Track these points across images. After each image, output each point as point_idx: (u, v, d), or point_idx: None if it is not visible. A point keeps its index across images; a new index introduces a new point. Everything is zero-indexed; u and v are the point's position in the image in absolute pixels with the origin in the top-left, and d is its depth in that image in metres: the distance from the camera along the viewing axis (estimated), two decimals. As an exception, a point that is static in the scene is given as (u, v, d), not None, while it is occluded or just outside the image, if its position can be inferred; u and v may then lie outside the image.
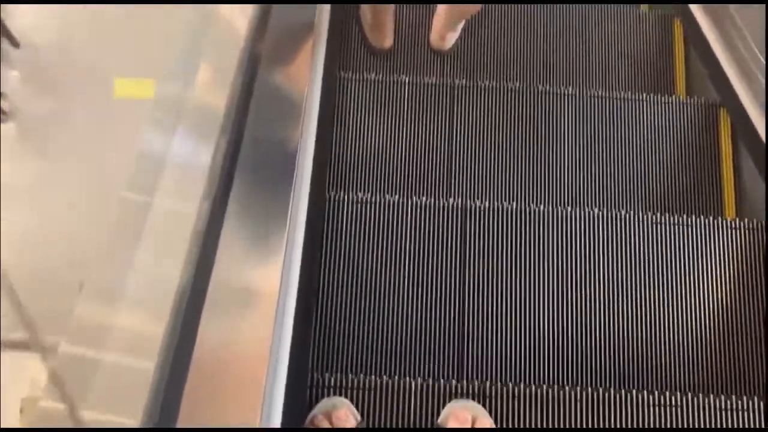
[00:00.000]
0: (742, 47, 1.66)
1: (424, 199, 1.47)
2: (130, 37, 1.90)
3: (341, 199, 1.44)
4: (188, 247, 1.01)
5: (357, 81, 1.74)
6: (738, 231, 1.51)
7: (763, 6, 1.54)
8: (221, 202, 1.10)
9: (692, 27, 1.89)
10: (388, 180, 1.64)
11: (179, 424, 0.83)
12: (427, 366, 1.32)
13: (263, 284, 1.06)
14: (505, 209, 1.47)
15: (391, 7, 1.76)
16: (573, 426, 1.14)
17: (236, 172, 1.17)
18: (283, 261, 1.09)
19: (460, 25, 1.85)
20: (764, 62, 1.56)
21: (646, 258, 1.46)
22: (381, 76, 1.76)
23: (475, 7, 1.69)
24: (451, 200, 1.48)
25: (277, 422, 0.96)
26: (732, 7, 1.72)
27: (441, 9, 1.81)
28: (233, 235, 1.08)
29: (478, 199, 1.54)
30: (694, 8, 1.88)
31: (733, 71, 1.71)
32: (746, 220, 1.51)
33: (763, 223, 1.50)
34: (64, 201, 1.74)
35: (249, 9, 1.40)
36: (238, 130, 1.21)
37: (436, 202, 1.48)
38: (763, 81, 1.56)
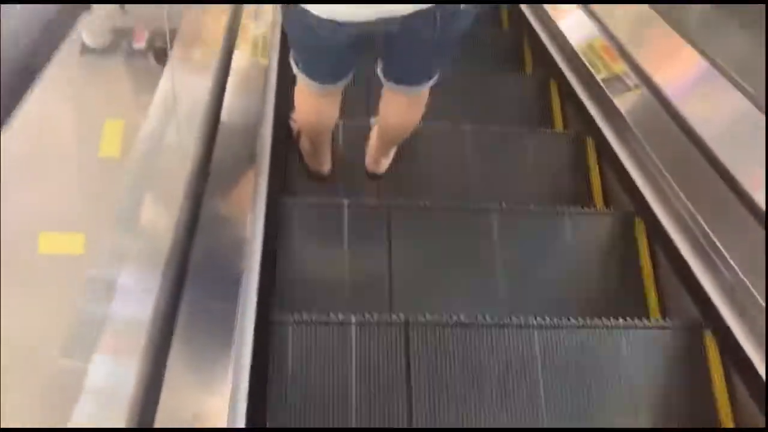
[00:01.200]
0: (650, 164, 1.84)
1: (366, 316, 1.52)
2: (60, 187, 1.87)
3: (286, 321, 1.47)
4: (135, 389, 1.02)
5: (298, 205, 1.82)
6: (667, 331, 1.60)
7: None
8: (165, 336, 1.12)
9: (604, 145, 2.08)
10: (333, 300, 1.69)
11: None
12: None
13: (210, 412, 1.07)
14: (446, 322, 1.53)
15: (328, 134, 1.89)
16: None
17: (182, 301, 1.20)
18: (232, 386, 1.11)
19: (393, 150, 1.99)
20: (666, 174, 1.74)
21: (582, 361, 1.52)
22: (321, 199, 1.86)
23: (405, 134, 1.83)
24: (394, 316, 1.53)
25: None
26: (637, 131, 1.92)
27: (374, 135, 1.95)
28: (181, 367, 1.10)
29: (419, 313, 1.59)
30: (605, 129, 2.09)
31: (646, 186, 1.88)
32: (675, 319, 1.61)
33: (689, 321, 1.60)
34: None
35: (192, 146, 1.49)
36: (182, 265, 1.26)
37: (380, 317, 1.52)
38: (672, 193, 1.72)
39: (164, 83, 1.67)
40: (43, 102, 1.89)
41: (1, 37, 1.73)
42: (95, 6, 2.37)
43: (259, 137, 1.72)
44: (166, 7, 2.01)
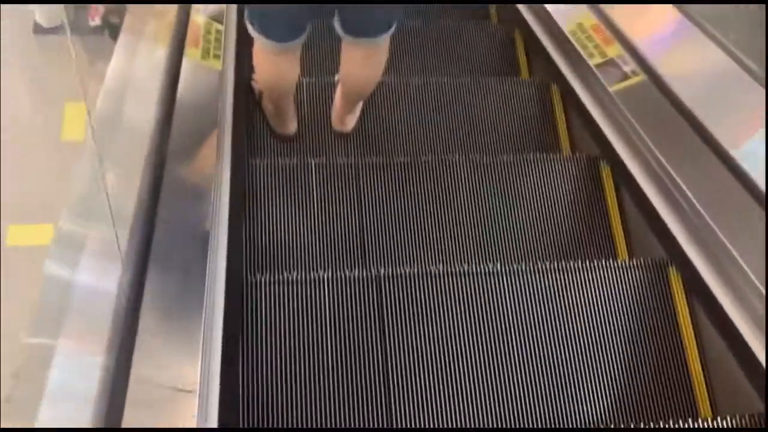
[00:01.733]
0: (615, 111, 1.85)
1: (338, 272, 1.53)
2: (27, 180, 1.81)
3: (258, 281, 1.48)
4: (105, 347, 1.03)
5: (266, 166, 1.81)
6: (631, 270, 1.64)
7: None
8: (135, 301, 1.12)
9: (569, 92, 2.09)
10: (305, 258, 1.70)
11: None
12: (355, 436, 1.34)
13: (183, 380, 1.07)
14: (416, 273, 1.55)
15: (290, 95, 1.87)
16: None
17: (150, 265, 1.20)
18: (202, 349, 1.12)
19: (358, 107, 1.98)
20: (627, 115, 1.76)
21: (551, 304, 1.56)
22: (288, 160, 1.85)
23: (368, 89, 1.82)
24: (365, 271, 1.54)
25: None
26: (598, 72, 1.92)
27: (338, 93, 1.93)
28: (150, 330, 1.11)
29: (389, 266, 1.61)
30: (569, 75, 2.09)
31: (609, 129, 1.89)
32: (641, 259, 1.65)
33: (655, 260, 1.64)
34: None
35: (150, 114, 1.46)
36: (149, 227, 1.25)
37: (352, 273, 1.54)
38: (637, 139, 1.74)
39: (118, 54, 1.64)
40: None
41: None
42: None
43: (219, 101, 1.70)
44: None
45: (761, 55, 1.54)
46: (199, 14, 1.90)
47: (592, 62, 1.92)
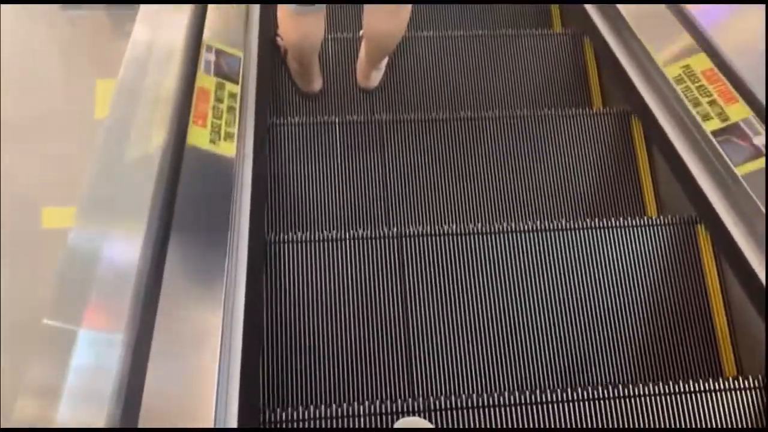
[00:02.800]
0: (647, 61, 1.79)
1: (362, 231, 1.54)
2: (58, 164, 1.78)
3: (281, 240, 1.50)
4: (131, 305, 1.05)
5: (290, 125, 1.82)
6: (662, 227, 1.61)
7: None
8: (159, 258, 1.15)
9: (601, 45, 2.02)
10: (328, 217, 1.71)
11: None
12: (377, 389, 1.37)
13: (206, 330, 1.10)
14: (440, 232, 1.55)
15: (315, 54, 1.85)
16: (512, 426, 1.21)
17: (173, 228, 1.22)
18: (224, 308, 1.15)
19: (383, 63, 1.96)
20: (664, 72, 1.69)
21: (579, 262, 1.55)
22: (313, 118, 1.85)
23: (392, 44, 1.79)
24: (388, 230, 1.55)
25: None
26: (632, 22, 1.85)
27: (362, 49, 1.91)
28: (175, 282, 1.13)
29: (413, 225, 1.61)
30: (602, 27, 2.01)
31: (642, 84, 1.83)
32: (669, 216, 1.62)
33: (683, 217, 1.61)
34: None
35: (173, 76, 1.45)
36: (171, 190, 1.27)
37: (375, 232, 1.55)
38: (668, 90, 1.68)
39: (141, 19, 1.62)
40: (28, 62, 1.80)
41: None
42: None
43: (243, 58, 1.69)
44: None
45: None
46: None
47: (707, 127, 1.49)
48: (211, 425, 0.97)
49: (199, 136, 1.36)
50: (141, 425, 0.92)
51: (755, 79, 1.44)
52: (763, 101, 1.40)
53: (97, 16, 2.23)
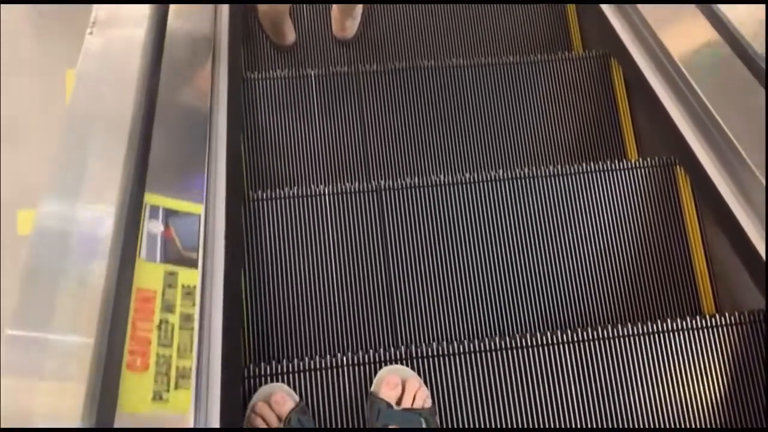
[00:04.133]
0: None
1: (341, 185, 1.53)
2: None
3: (260, 197, 1.49)
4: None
5: (265, 80, 1.79)
6: (642, 170, 1.61)
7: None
8: (132, 221, 1.14)
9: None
10: (306, 172, 1.70)
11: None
12: (359, 340, 1.39)
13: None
14: (420, 183, 1.54)
15: (286, 14, 1.81)
16: (497, 371, 1.23)
17: (146, 185, 1.21)
18: (203, 264, 1.14)
19: (358, 11, 1.91)
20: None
21: (559, 207, 1.55)
22: (288, 72, 1.81)
23: None
24: (368, 183, 1.54)
25: (215, 417, 1.01)
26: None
27: (337, -1, 1.87)
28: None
29: (393, 178, 1.61)
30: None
31: (619, 24, 1.80)
32: (648, 159, 1.61)
33: (662, 159, 1.61)
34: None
35: (144, 30, 1.40)
36: (144, 146, 1.25)
37: (355, 186, 1.54)
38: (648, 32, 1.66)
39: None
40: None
41: None
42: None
43: (216, 14, 1.65)
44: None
45: None
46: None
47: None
48: (193, 379, 0.96)
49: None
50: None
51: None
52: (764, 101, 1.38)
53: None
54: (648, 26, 1.65)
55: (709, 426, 1.23)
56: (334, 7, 1.89)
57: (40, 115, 1.78)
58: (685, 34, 1.56)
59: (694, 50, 1.51)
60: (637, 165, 1.61)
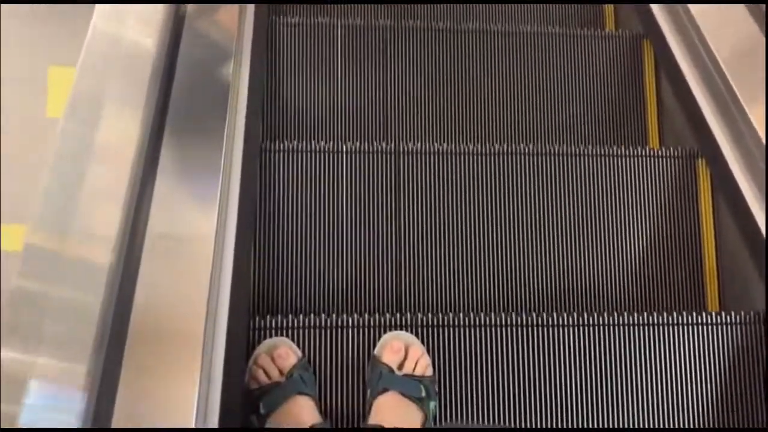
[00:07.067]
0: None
1: (359, 144, 1.51)
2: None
3: (276, 148, 1.47)
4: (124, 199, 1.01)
5: (288, 26, 1.74)
6: (663, 159, 1.59)
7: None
8: (152, 159, 1.12)
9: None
10: (325, 127, 1.67)
11: (122, 372, 0.88)
12: (366, 303, 1.39)
13: (200, 234, 1.09)
14: (439, 151, 1.52)
15: None
16: (502, 347, 1.24)
17: (167, 126, 1.19)
18: (219, 210, 1.13)
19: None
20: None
21: (576, 188, 1.53)
22: (312, 19, 1.76)
23: None
24: (386, 144, 1.52)
25: (219, 367, 1.02)
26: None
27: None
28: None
29: (412, 141, 1.58)
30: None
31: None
32: (671, 148, 1.59)
33: (685, 150, 1.58)
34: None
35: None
36: (166, 91, 1.22)
37: (372, 146, 1.51)
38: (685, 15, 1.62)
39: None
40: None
41: None
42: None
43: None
44: None
45: None
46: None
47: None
48: (202, 324, 0.97)
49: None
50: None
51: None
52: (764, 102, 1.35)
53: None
54: (688, 11, 1.61)
55: (709, 426, 1.24)
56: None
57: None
58: (727, 25, 1.52)
59: (735, 44, 1.47)
60: (659, 154, 1.59)
